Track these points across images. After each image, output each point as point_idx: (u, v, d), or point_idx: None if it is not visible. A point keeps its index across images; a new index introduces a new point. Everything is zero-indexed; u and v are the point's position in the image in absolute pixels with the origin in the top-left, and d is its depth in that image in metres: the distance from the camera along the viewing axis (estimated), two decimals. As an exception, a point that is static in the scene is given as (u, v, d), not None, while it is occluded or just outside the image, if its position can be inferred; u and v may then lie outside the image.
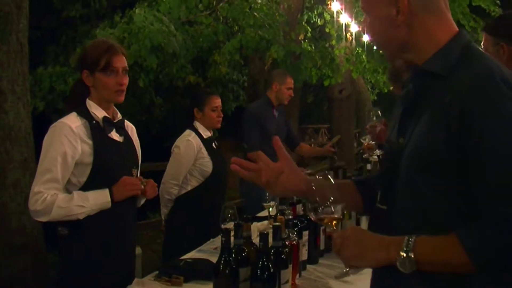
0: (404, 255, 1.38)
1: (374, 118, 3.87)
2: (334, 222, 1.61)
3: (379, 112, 3.90)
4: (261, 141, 5.02)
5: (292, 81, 5.33)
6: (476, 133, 1.35)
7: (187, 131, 3.97)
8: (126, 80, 2.64)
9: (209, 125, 4.03)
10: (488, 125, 1.35)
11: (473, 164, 1.37)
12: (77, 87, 2.72)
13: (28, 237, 4.63)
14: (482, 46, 2.78)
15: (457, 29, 1.56)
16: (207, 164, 3.89)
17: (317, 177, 1.71)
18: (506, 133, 1.34)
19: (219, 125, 4.11)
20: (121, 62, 2.62)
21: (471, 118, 1.35)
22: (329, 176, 1.69)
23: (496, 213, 1.34)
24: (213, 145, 4.04)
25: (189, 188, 3.91)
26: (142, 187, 2.66)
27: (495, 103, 1.36)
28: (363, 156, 3.59)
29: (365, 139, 3.93)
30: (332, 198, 1.60)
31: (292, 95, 5.34)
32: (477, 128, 1.35)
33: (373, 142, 3.96)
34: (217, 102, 4.04)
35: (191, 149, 3.86)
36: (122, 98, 2.65)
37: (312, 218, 1.62)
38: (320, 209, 1.59)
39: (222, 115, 4.10)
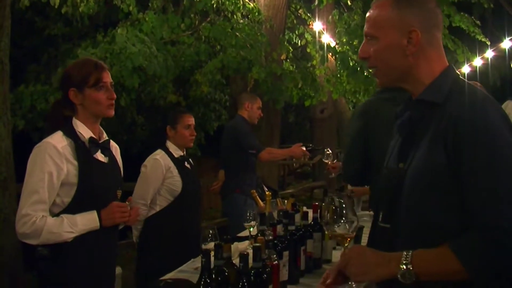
0: (404, 267, 1.51)
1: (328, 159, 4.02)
2: (348, 239, 1.81)
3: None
4: (240, 156, 5.11)
5: (260, 102, 5.46)
6: (467, 154, 1.52)
7: (157, 151, 3.97)
8: (114, 95, 2.69)
9: (182, 143, 4.03)
10: (477, 146, 1.51)
11: (465, 182, 1.52)
12: (57, 106, 2.72)
13: (6, 257, 4.55)
14: None
15: (447, 63, 1.71)
16: (177, 183, 3.87)
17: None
18: (491, 153, 1.50)
19: (192, 144, 4.13)
20: (109, 77, 2.68)
21: (463, 141, 1.52)
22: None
23: (484, 222, 1.47)
24: (186, 164, 4.02)
25: (158, 208, 3.88)
26: (130, 215, 2.68)
27: (482, 128, 1.52)
28: (329, 177, 3.64)
29: (327, 159, 3.96)
30: None
31: (262, 115, 5.47)
32: (468, 149, 1.52)
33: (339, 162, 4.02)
34: (190, 120, 4.06)
35: (158, 168, 3.84)
36: (112, 112, 2.69)
37: (327, 232, 1.81)
38: (337, 225, 1.76)
39: (195, 134, 4.13)
